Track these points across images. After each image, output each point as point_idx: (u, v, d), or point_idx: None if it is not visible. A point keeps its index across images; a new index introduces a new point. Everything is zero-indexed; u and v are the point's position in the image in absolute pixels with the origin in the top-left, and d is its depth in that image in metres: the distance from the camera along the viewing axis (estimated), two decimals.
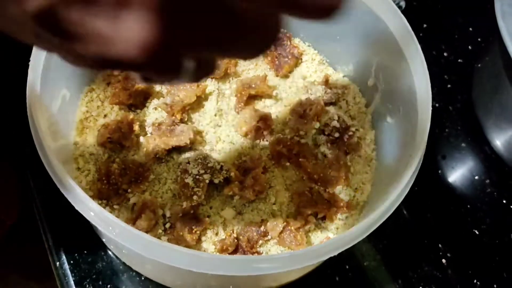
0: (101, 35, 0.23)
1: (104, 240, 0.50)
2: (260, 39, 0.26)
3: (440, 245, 0.57)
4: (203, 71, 0.28)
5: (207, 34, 0.24)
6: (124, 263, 0.51)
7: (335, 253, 0.38)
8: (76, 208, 0.37)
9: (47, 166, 0.38)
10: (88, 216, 0.36)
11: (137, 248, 0.35)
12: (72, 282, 0.50)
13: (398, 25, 0.50)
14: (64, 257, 0.51)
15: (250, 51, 0.27)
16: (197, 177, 0.49)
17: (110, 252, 0.51)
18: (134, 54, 0.23)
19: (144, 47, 0.23)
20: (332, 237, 0.49)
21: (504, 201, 0.61)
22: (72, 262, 0.51)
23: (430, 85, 0.66)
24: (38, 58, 0.43)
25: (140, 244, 0.35)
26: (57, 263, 0.51)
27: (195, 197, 0.49)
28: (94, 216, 0.36)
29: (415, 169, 0.42)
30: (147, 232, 0.47)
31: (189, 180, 0.49)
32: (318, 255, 0.37)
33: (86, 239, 0.52)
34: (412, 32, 0.48)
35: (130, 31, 0.22)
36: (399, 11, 0.50)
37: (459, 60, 0.70)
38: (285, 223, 0.49)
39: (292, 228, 0.49)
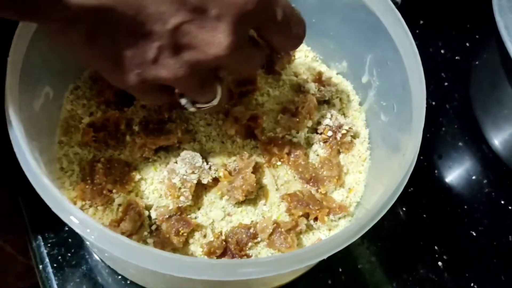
0: (204, 41, 0.36)
1: (87, 243, 0.49)
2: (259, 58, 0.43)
3: (436, 247, 0.56)
4: (225, 98, 0.45)
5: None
6: (108, 266, 0.49)
7: (324, 257, 0.37)
8: (53, 210, 0.35)
9: (23, 166, 0.36)
10: (66, 219, 0.35)
11: (117, 252, 0.34)
12: (55, 286, 0.48)
13: (392, 21, 0.48)
14: (47, 260, 0.49)
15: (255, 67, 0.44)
16: (185, 177, 0.48)
17: (94, 255, 0.50)
18: (223, 52, 0.36)
19: (229, 46, 0.36)
20: (324, 239, 0.48)
21: (502, 202, 0.60)
22: (55, 265, 0.49)
23: (425, 83, 0.65)
24: (18, 54, 0.42)
25: (119, 248, 0.34)
26: (40, 266, 0.49)
27: (182, 198, 0.47)
28: (71, 218, 0.35)
29: (408, 170, 0.41)
30: (131, 234, 0.46)
31: (176, 180, 0.47)
32: (305, 259, 0.36)
33: (70, 242, 0.50)
34: (407, 27, 0.47)
35: (221, 37, 0.36)
36: (393, 6, 0.48)
37: (456, 57, 0.69)
38: (275, 225, 0.47)
39: (282, 230, 0.48)
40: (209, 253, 0.46)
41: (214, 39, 0.35)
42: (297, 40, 0.43)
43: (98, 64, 0.38)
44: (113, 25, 0.35)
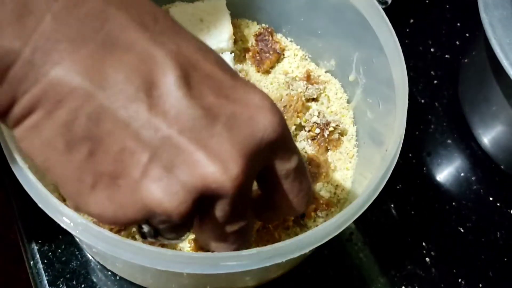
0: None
1: (77, 238, 0.49)
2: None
3: (423, 243, 0.56)
4: None
5: None
6: (98, 262, 0.50)
7: (306, 251, 0.37)
8: (39, 205, 0.36)
9: (9, 160, 0.37)
10: (51, 214, 0.36)
11: (100, 245, 0.34)
12: (45, 282, 0.49)
13: (377, 20, 0.49)
14: (38, 256, 0.50)
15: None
16: None
17: (84, 251, 0.51)
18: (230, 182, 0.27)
19: (238, 177, 0.27)
20: (306, 233, 0.48)
21: (491, 199, 0.60)
22: (46, 261, 0.50)
23: (415, 81, 0.65)
24: None
25: (102, 242, 0.35)
26: (31, 262, 0.50)
27: None
28: (57, 213, 0.35)
29: (390, 164, 0.41)
30: (120, 230, 0.46)
31: None
32: (287, 252, 0.36)
33: (60, 238, 0.51)
34: (391, 26, 0.47)
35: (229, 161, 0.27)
36: (378, 6, 0.49)
37: (446, 56, 0.69)
38: None
39: (270, 226, 0.48)
40: (197, 249, 0.47)
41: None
42: (303, 203, 0.34)
43: (72, 185, 0.28)
44: (94, 120, 0.25)
